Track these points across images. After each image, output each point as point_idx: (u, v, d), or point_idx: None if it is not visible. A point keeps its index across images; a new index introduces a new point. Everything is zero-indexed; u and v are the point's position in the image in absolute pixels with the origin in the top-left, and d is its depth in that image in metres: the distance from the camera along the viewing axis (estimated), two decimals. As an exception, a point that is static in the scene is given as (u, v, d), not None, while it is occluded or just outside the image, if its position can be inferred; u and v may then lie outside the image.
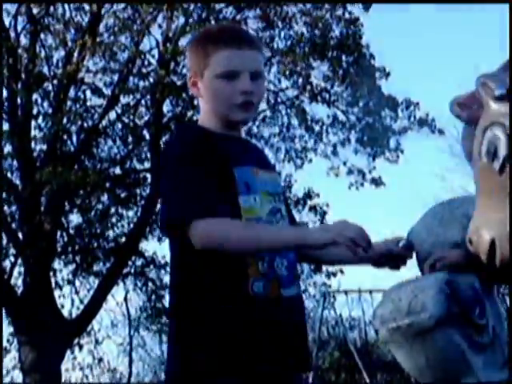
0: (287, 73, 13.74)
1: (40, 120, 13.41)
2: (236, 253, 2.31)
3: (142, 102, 13.64)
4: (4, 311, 12.77)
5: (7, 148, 13.22)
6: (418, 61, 25.78)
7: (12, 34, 13.27)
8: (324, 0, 13.45)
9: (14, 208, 13.50)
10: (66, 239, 13.99)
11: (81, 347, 14.75)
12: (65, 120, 13.06)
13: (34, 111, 13.38)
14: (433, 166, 35.68)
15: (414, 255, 2.37)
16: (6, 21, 13.14)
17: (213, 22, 12.81)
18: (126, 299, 16.04)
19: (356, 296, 14.11)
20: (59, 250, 13.84)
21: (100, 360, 15.54)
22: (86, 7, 13.38)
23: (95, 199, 13.89)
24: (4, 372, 13.82)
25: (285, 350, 2.34)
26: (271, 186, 2.47)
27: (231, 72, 2.41)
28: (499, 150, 1.80)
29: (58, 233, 13.74)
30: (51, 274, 13.65)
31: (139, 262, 14.63)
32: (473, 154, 1.88)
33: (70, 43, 13.43)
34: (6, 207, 13.29)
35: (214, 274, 2.31)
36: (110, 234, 14.19)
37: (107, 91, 13.48)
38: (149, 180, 13.94)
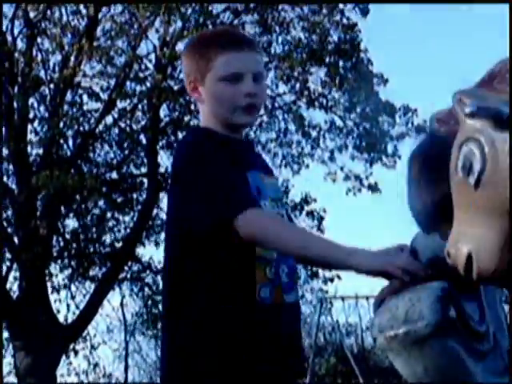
0: (284, 78, 13.74)
1: (36, 124, 13.42)
2: (277, 249, 2.29)
3: (139, 106, 13.64)
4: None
5: (3, 152, 13.21)
6: (417, 67, 25.83)
7: (9, 38, 13.26)
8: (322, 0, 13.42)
9: (9, 212, 13.48)
10: (62, 244, 13.99)
11: (76, 352, 14.73)
12: (61, 124, 13.05)
13: (31, 115, 13.38)
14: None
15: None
16: (3, 24, 13.13)
17: (210, 27, 12.80)
18: (122, 304, 16.04)
19: (353, 302, 14.11)
20: (55, 254, 13.84)
21: (96, 365, 15.51)
22: (83, 11, 13.39)
23: (91, 204, 13.88)
24: (-1, 377, 13.80)
25: (285, 353, 2.36)
26: (274, 191, 2.49)
27: (235, 74, 2.40)
28: (474, 165, 1.82)
29: (54, 237, 13.74)
30: (47, 278, 13.63)
31: (135, 267, 14.63)
32: (450, 169, 1.90)
33: (66, 47, 13.43)
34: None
35: (223, 277, 2.31)
36: (107, 238, 14.20)
37: (104, 95, 13.48)
38: (145, 185, 13.93)
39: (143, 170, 14.00)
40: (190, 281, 2.34)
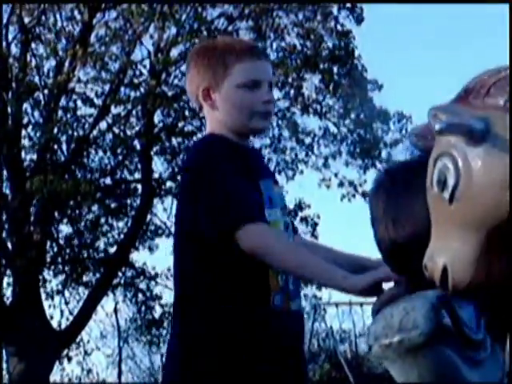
0: (279, 84, 13.74)
1: (30, 129, 13.39)
2: (274, 266, 2.33)
3: (133, 112, 13.61)
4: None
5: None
6: (412, 74, 25.88)
7: (3, 43, 13.24)
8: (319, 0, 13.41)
9: (3, 218, 13.44)
10: (55, 249, 13.96)
11: (70, 358, 14.68)
12: (55, 130, 13.03)
13: (25, 120, 13.35)
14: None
15: None
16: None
17: (205, 33, 12.80)
18: (115, 310, 16.03)
19: (347, 308, 13.99)
20: (49, 260, 13.80)
21: (89, 371, 15.47)
22: (78, 17, 13.38)
23: (85, 209, 13.86)
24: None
25: (294, 360, 2.43)
26: (282, 200, 2.54)
27: (254, 82, 2.47)
28: (448, 180, 1.84)
29: (48, 243, 13.70)
30: (40, 284, 13.60)
31: (129, 273, 14.60)
32: (426, 184, 1.91)
33: (61, 53, 13.40)
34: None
35: (239, 284, 2.34)
36: (101, 244, 14.17)
37: (98, 101, 13.46)
38: (139, 191, 13.91)
39: (137, 175, 13.99)
40: (203, 291, 2.37)
